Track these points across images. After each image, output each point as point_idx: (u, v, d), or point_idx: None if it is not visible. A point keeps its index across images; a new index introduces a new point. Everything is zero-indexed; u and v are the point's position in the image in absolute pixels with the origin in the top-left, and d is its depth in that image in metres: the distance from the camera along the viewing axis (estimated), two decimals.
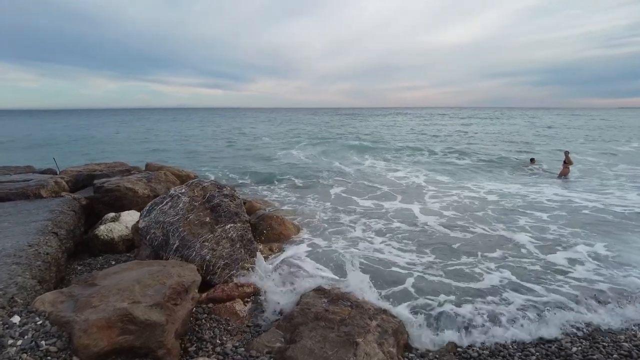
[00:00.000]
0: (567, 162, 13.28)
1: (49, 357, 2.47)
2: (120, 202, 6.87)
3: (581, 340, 3.65)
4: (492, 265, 5.36)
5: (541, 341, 3.67)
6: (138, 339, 2.78)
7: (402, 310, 4.03)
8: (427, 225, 7.42)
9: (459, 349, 3.60)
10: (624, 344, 3.54)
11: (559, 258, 5.61)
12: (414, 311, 4.11)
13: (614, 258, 5.57)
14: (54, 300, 3.05)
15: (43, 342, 2.55)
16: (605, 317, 4.03)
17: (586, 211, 8.23)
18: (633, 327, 3.87)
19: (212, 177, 12.37)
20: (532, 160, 15.56)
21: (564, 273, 5.10)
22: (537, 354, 3.44)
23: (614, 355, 3.36)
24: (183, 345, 3.34)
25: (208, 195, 5.01)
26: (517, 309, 4.18)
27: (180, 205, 4.78)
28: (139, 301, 2.93)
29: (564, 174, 13.15)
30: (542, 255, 5.75)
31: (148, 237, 4.64)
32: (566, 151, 13.74)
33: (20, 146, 25.62)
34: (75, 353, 2.56)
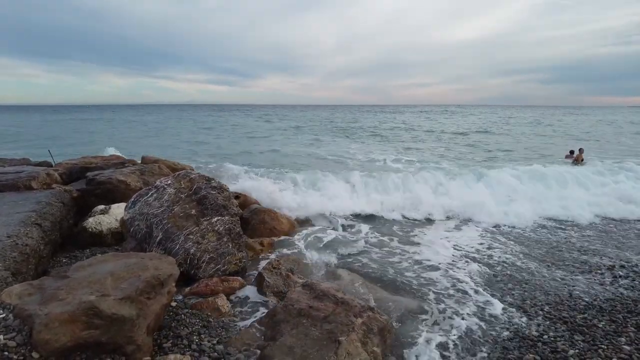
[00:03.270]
0: (577, 157, 14.58)
1: (6, 352, 2.34)
2: (112, 194, 6.76)
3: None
4: None
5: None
6: (104, 334, 2.63)
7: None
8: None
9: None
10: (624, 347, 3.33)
11: None
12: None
13: None
14: (22, 292, 2.91)
15: (1, 337, 2.41)
16: None
17: None
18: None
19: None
20: (571, 152, 15.45)
21: None
22: None
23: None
24: (158, 341, 3.20)
25: (195, 187, 4.86)
26: None
27: (166, 197, 4.64)
28: (108, 294, 2.78)
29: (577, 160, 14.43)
30: None
31: (132, 230, 4.51)
32: (580, 148, 15.02)
33: (25, 139, 25.76)
34: (35, 348, 2.42)
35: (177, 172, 5.17)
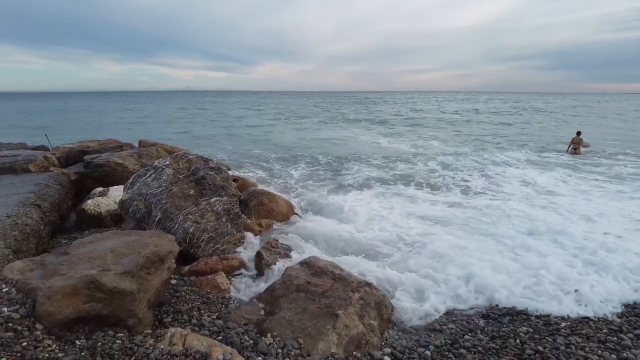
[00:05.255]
0: (577, 143, 13.76)
1: (10, 324, 2.38)
2: (110, 177, 6.78)
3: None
4: None
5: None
6: (106, 307, 2.68)
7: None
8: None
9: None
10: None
11: None
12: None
13: None
14: (24, 268, 2.96)
15: (5, 309, 2.45)
16: None
17: None
18: None
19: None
20: (578, 133, 14.94)
21: None
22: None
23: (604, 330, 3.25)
24: (159, 316, 3.26)
25: (193, 167, 4.87)
26: None
27: (164, 177, 4.65)
28: (109, 269, 2.82)
29: (576, 152, 13.60)
30: None
31: (131, 210, 4.54)
32: (578, 131, 14.32)
33: (22, 126, 25.60)
34: (39, 320, 2.47)
35: (175, 153, 5.18)
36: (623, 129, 22.17)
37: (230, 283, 4.04)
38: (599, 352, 2.97)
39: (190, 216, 4.42)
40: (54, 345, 2.37)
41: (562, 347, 3.03)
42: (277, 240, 4.80)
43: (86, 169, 6.91)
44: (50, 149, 8.87)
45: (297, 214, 6.64)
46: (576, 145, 13.75)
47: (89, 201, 5.80)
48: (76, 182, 6.64)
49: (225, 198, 4.86)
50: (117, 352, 2.49)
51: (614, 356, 2.92)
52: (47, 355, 2.26)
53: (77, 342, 2.49)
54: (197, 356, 2.51)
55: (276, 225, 5.90)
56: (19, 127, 24.64)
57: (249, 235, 5.15)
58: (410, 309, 3.71)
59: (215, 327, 3.17)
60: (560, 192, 8.13)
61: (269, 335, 3.00)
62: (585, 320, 3.43)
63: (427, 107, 47.83)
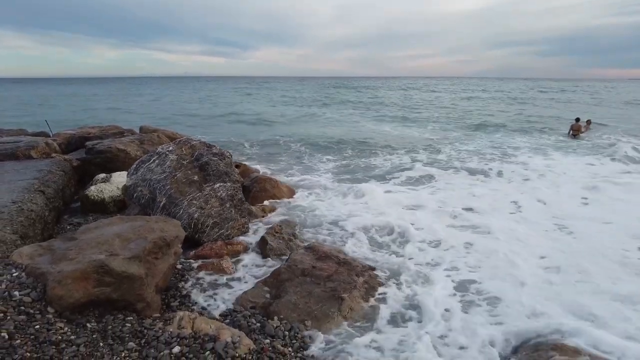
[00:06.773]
0: (576, 129, 14.13)
1: (22, 307, 2.42)
2: (112, 163, 6.78)
3: None
4: None
5: None
6: (115, 292, 2.72)
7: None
8: None
9: None
10: None
11: None
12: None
13: None
14: (32, 253, 2.99)
15: (16, 293, 2.49)
16: None
17: None
18: None
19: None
20: (577, 120, 14.83)
21: None
22: None
23: None
24: (166, 300, 3.30)
25: (197, 153, 4.87)
26: None
27: (168, 163, 4.65)
28: (117, 254, 2.85)
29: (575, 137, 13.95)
30: None
31: (135, 196, 4.55)
32: (577, 118, 14.87)
33: (19, 113, 25.42)
34: (50, 304, 2.51)
35: (178, 139, 5.16)
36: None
37: (235, 268, 4.08)
38: None
39: (194, 202, 4.44)
40: (66, 328, 2.41)
41: None
42: (280, 226, 4.82)
43: (88, 155, 6.90)
44: (51, 135, 8.83)
45: (299, 200, 6.65)
46: (575, 132, 14.08)
47: (92, 187, 5.81)
48: (78, 168, 6.64)
49: (229, 184, 4.87)
50: (127, 335, 2.54)
51: None
52: (59, 337, 2.30)
53: (88, 325, 2.53)
54: (206, 339, 2.56)
55: (279, 211, 5.92)
56: (12, 117, 24.37)
57: (253, 220, 5.18)
58: None
59: (222, 311, 3.22)
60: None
61: (275, 318, 3.05)
62: None
63: (429, 93, 47.42)
